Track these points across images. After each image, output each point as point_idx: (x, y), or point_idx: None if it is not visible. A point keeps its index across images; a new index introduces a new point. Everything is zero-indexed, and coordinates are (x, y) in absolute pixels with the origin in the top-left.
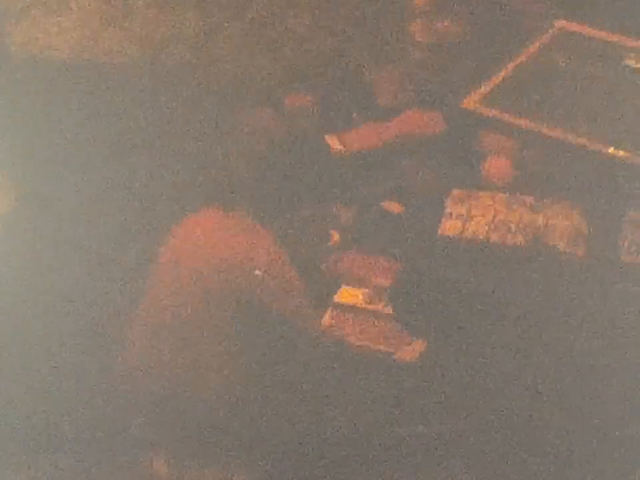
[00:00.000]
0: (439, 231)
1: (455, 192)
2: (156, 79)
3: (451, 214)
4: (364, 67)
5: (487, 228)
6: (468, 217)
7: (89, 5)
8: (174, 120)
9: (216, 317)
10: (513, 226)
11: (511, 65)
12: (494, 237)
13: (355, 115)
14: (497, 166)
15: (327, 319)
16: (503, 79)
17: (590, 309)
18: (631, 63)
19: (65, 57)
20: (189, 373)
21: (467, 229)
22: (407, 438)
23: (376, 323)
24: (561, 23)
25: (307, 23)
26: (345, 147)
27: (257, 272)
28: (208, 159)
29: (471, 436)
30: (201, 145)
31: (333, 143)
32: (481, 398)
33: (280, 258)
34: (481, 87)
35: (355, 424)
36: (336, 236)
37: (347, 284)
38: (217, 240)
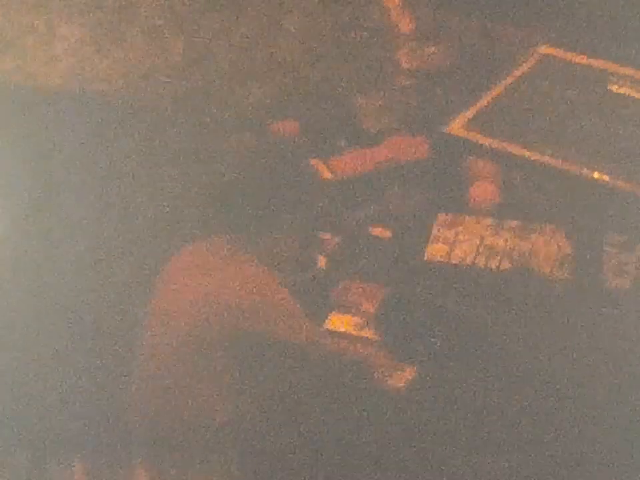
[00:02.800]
0: (426, 256)
1: (442, 217)
2: (144, 106)
3: (437, 239)
4: (350, 93)
5: (473, 253)
6: (454, 242)
7: (78, 34)
8: (161, 148)
9: (211, 348)
10: (499, 250)
11: (495, 91)
12: (480, 262)
13: (341, 141)
14: (482, 191)
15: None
16: (488, 104)
17: (577, 332)
18: (615, 88)
19: (54, 86)
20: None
21: (454, 253)
22: (397, 465)
23: (365, 349)
24: (544, 49)
25: (293, 49)
26: (331, 172)
27: None
28: (193, 185)
29: (462, 463)
30: (186, 171)
31: (320, 168)
32: (470, 423)
33: (270, 281)
34: (466, 112)
35: (343, 450)
36: (323, 261)
37: (336, 310)
38: (205, 271)
